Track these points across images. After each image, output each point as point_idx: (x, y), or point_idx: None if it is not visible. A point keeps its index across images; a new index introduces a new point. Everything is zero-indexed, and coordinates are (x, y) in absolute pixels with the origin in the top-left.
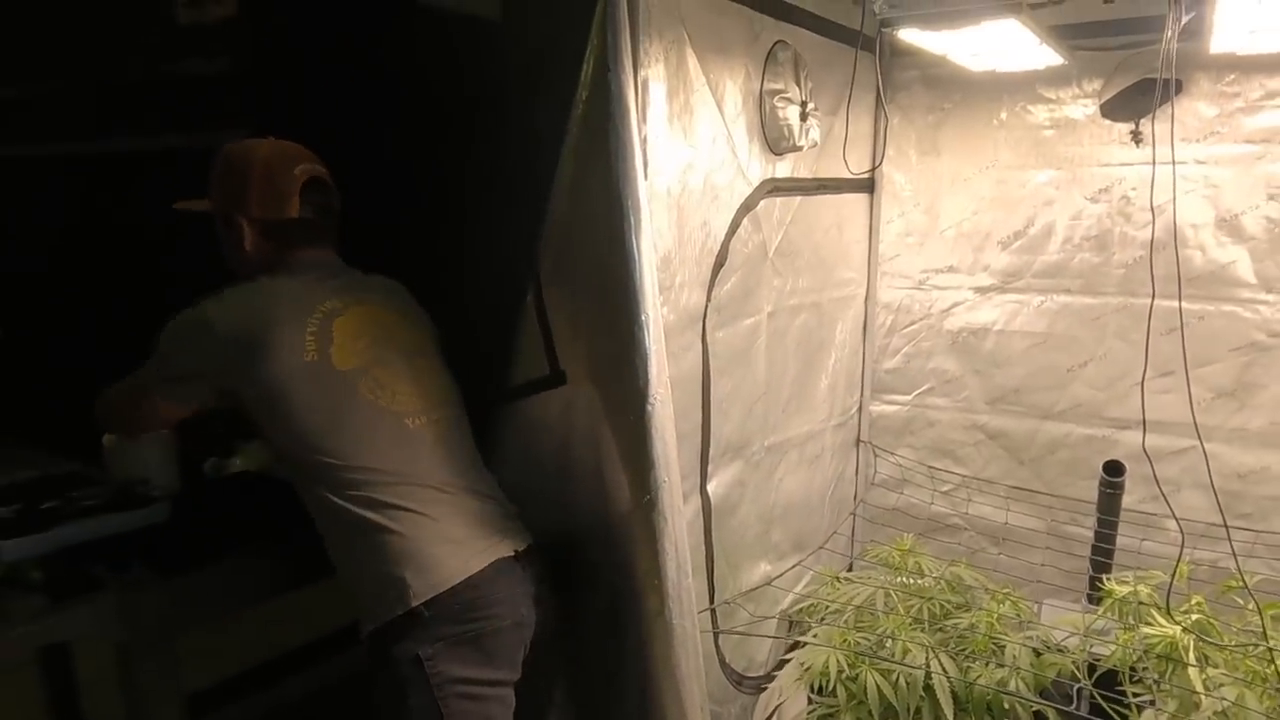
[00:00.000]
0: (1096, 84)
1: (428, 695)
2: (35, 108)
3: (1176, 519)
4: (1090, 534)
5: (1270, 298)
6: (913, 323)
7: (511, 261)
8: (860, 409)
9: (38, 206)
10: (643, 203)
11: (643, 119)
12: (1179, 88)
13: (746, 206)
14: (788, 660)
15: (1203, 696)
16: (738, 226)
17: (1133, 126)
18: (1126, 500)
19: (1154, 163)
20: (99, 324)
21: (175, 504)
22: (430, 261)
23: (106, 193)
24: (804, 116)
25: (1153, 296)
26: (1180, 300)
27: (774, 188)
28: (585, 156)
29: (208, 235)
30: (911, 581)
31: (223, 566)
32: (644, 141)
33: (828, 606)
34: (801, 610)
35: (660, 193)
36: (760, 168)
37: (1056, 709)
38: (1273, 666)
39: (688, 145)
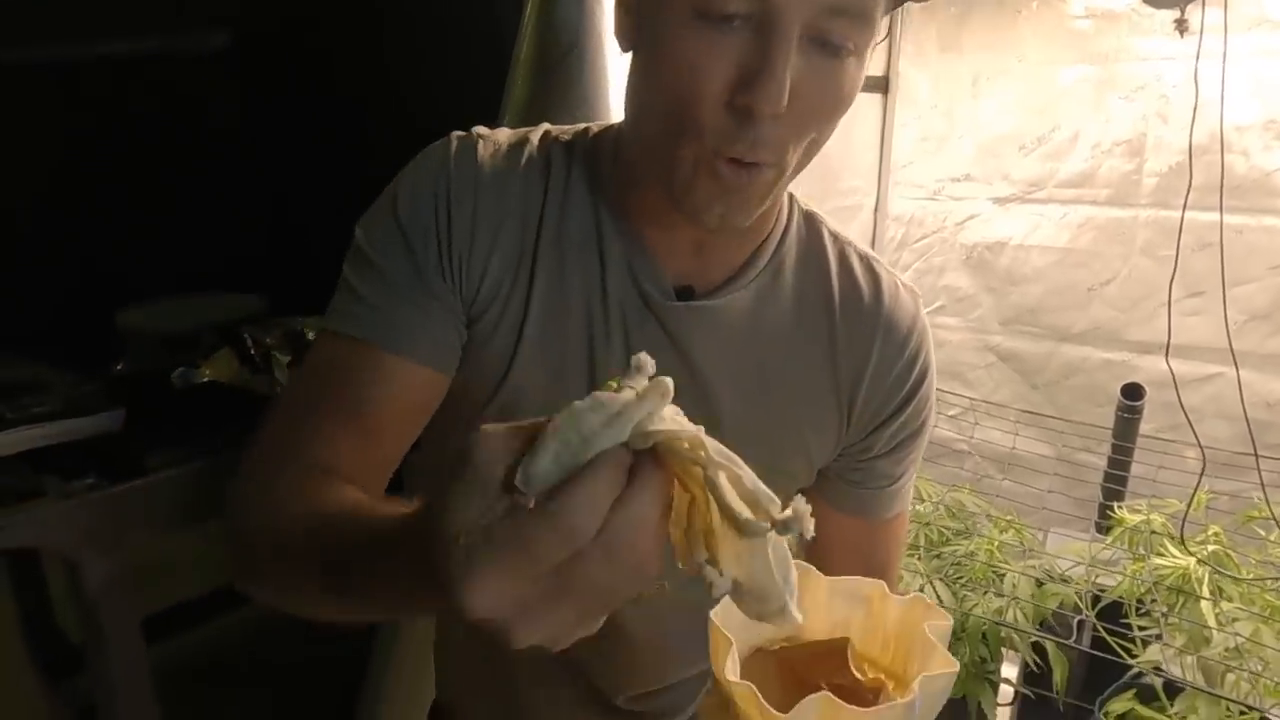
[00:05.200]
0: None
1: None
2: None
3: (1200, 444)
4: (1103, 462)
5: None
6: (925, 236)
7: None
8: None
9: (26, 117)
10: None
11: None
12: None
13: None
14: None
15: (1214, 631)
16: None
17: (1177, 14)
18: (1144, 429)
19: (1198, 55)
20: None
21: (131, 412)
22: None
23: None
24: None
25: (1185, 206)
26: (1221, 212)
27: None
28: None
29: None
30: (909, 507)
31: (176, 474)
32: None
33: None
34: None
35: None
36: None
37: (1055, 641)
38: None
39: None
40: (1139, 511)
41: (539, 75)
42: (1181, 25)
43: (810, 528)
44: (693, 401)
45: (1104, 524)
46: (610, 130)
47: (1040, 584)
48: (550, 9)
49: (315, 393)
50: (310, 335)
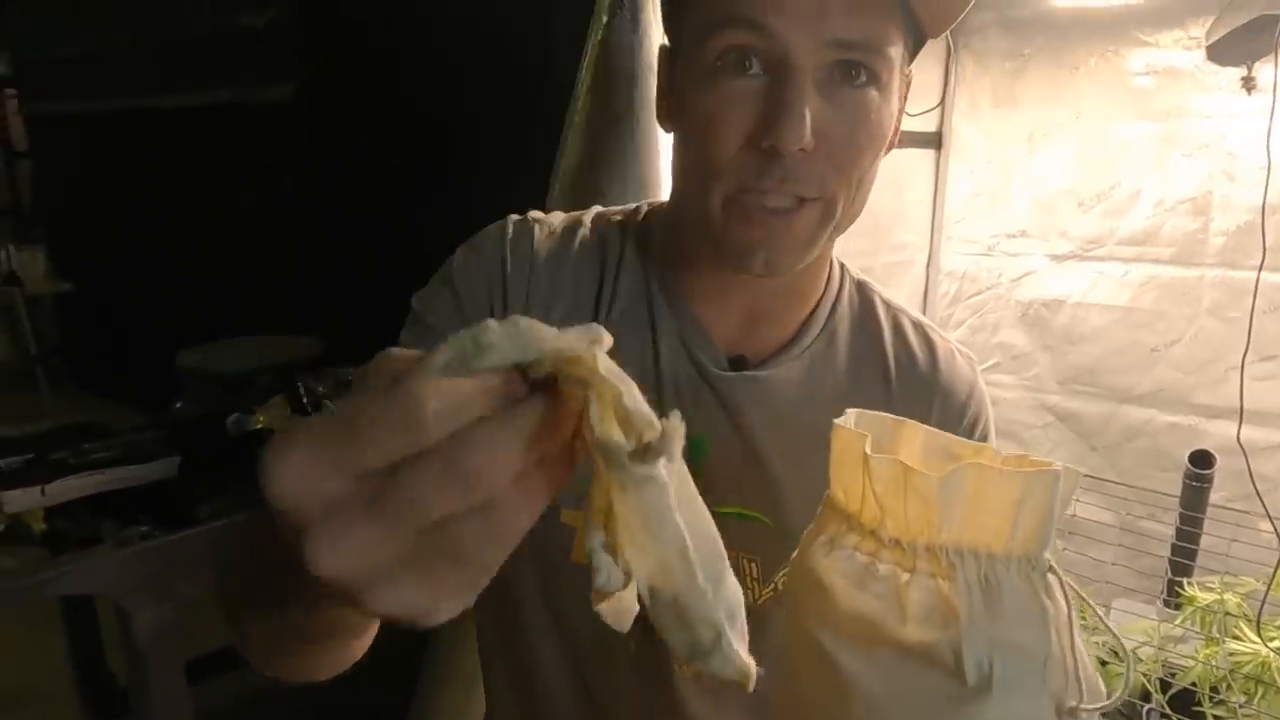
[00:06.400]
0: (1204, 24)
1: None
2: (93, 64)
3: (1271, 519)
4: (1170, 531)
5: None
6: (979, 292)
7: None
8: None
9: (100, 161)
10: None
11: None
12: None
13: None
14: None
15: None
16: None
17: (1245, 71)
18: (1215, 498)
19: (1272, 113)
20: (156, 276)
21: (186, 459)
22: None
23: (167, 147)
24: None
25: (1260, 267)
26: None
27: None
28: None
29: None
30: None
31: (226, 525)
32: None
33: None
34: None
35: None
36: None
37: None
38: None
39: None
40: (1212, 589)
41: (591, 141)
42: (1249, 83)
43: (677, 451)
44: (750, 470)
45: (1172, 599)
46: (660, 207)
47: (1104, 663)
48: (603, 78)
49: None
50: None
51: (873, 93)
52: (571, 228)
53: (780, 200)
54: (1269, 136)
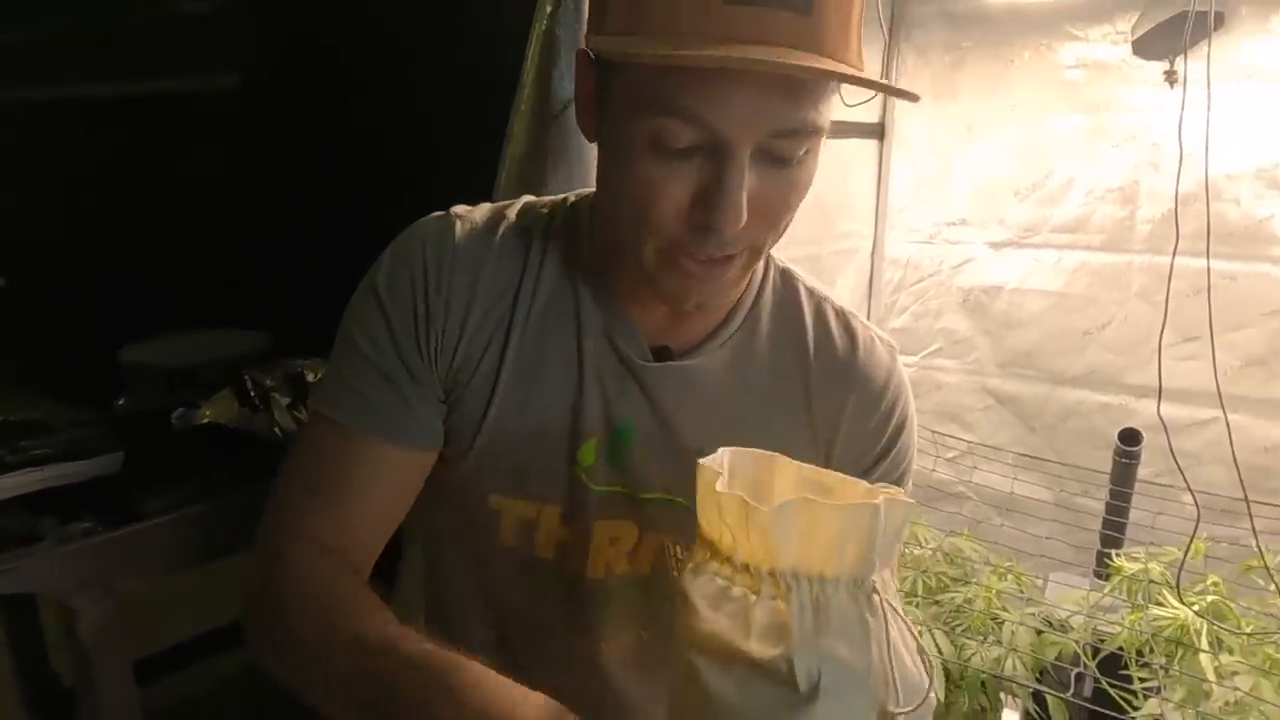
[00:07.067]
0: (1131, 19)
1: None
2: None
3: (1192, 491)
4: (1102, 507)
5: None
6: (921, 279)
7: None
8: None
9: (36, 152)
10: None
11: None
12: (1220, 21)
13: None
14: None
15: (1214, 685)
16: None
17: (1167, 65)
18: (1144, 473)
19: (1183, 106)
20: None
21: (130, 454)
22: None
23: (107, 137)
24: None
25: (1174, 253)
26: (1209, 258)
27: None
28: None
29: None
30: (906, 552)
31: (174, 519)
32: None
33: None
34: None
35: None
36: None
37: (1055, 695)
38: None
39: None
40: (1137, 559)
41: (536, 131)
42: (1171, 76)
43: None
44: (674, 457)
45: (1102, 570)
46: (587, 200)
47: (1039, 632)
48: (548, 68)
49: (313, 474)
50: (310, 377)
51: (808, 163)
52: (495, 221)
53: (713, 254)
54: (1180, 128)
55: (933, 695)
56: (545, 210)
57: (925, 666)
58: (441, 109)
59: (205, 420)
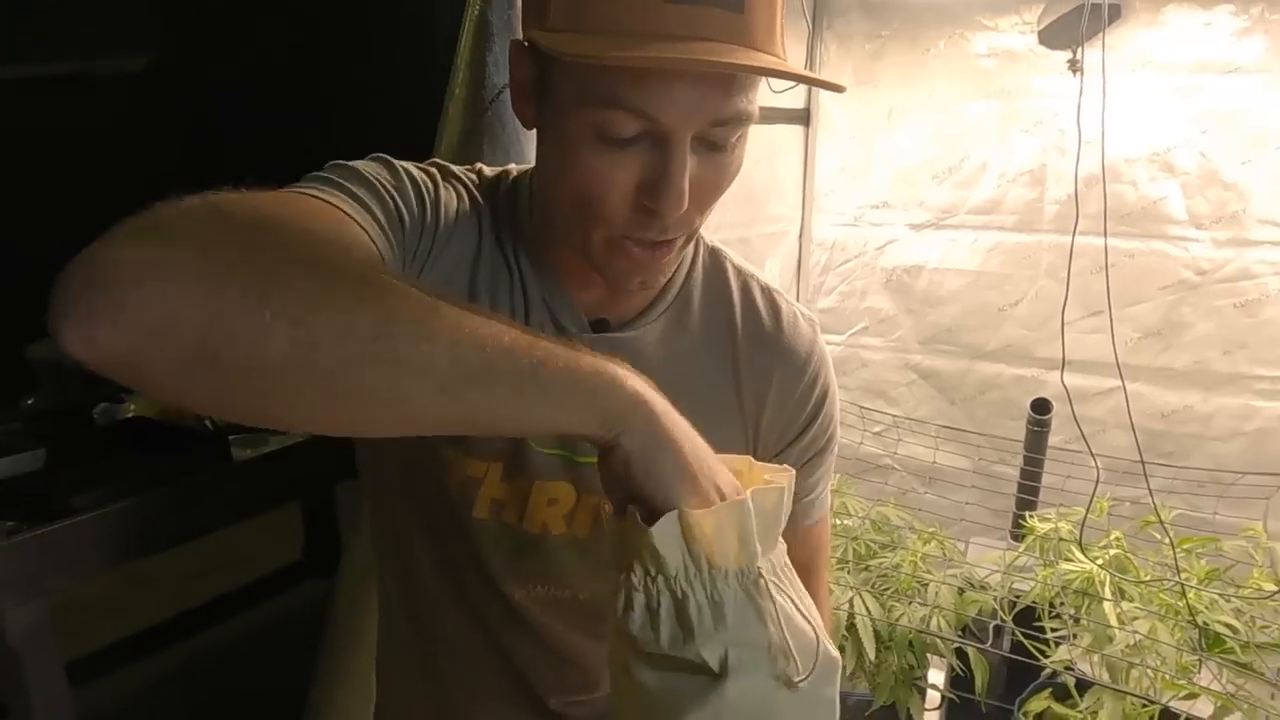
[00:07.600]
0: (1038, 10)
1: None
2: None
3: (1094, 455)
4: (1018, 472)
5: (1199, 235)
6: (847, 260)
7: None
8: None
9: None
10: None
11: None
12: (1117, 14)
13: None
14: None
15: (1116, 630)
16: None
17: (1070, 55)
18: (1055, 440)
19: (1081, 92)
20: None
21: (53, 451)
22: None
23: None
24: None
25: (1074, 232)
26: (1106, 237)
27: None
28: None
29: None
30: (838, 522)
31: (102, 515)
32: None
33: None
34: None
35: None
36: None
37: (976, 647)
38: (1184, 600)
39: None
40: (1048, 520)
41: (472, 114)
42: (1074, 65)
43: None
44: None
45: (1018, 532)
46: (526, 177)
47: (961, 592)
48: (481, 53)
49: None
50: None
51: (740, 148)
52: (463, 181)
53: (656, 238)
54: (1079, 114)
55: (834, 653)
56: (491, 179)
57: (814, 628)
58: (376, 93)
59: (130, 414)
